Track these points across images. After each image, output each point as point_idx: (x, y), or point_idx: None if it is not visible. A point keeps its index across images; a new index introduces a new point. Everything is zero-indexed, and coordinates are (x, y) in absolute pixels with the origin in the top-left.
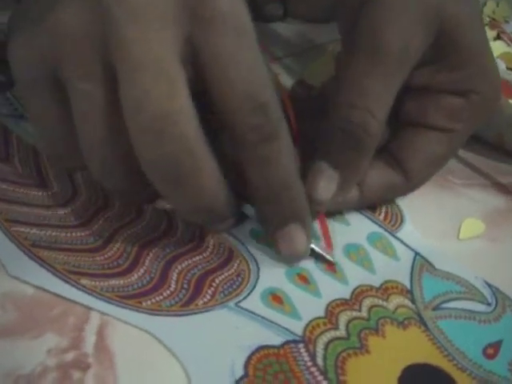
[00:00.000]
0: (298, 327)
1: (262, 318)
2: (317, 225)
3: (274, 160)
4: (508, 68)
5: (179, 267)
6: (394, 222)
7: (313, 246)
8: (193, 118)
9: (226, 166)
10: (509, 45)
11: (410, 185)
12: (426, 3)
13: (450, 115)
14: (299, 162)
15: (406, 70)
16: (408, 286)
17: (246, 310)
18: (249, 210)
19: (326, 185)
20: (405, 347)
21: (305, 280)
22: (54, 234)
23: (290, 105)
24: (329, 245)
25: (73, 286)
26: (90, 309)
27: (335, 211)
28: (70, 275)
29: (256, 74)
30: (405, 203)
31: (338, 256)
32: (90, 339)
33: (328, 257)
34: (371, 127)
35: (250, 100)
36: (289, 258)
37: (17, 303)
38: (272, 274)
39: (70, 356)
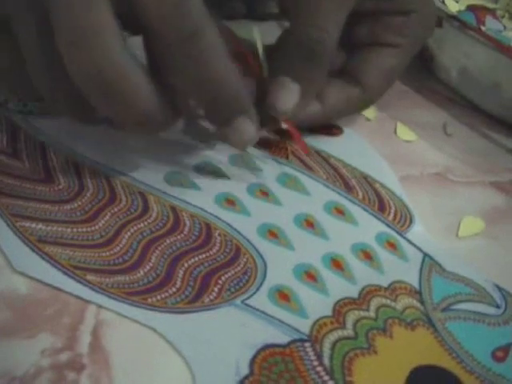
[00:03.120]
0: (304, 326)
1: (269, 315)
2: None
3: (200, 58)
4: None
5: (186, 264)
6: (403, 222)
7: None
8: (115, 31)
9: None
10: None
11: (367, 96)
12: None
13: (396, 31)
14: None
15: None
16: (417, 287)
17: (253, 307)
18: None
19: (288, 96)
20: (413, 348)
21: (313, 278)
22: (60, 229)
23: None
24: (304, 148)
25: (78, 281)
26: (85, 308)
27: (301, 124)
28: (76, 271)
29: None
30: (413, 203)
31: (346, 255)
32: (84, 339)
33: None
34: (327, 43)
35: None
36: (238, 147)
37: (10, 302)
38: (279, 272)
39: (64, 356)
